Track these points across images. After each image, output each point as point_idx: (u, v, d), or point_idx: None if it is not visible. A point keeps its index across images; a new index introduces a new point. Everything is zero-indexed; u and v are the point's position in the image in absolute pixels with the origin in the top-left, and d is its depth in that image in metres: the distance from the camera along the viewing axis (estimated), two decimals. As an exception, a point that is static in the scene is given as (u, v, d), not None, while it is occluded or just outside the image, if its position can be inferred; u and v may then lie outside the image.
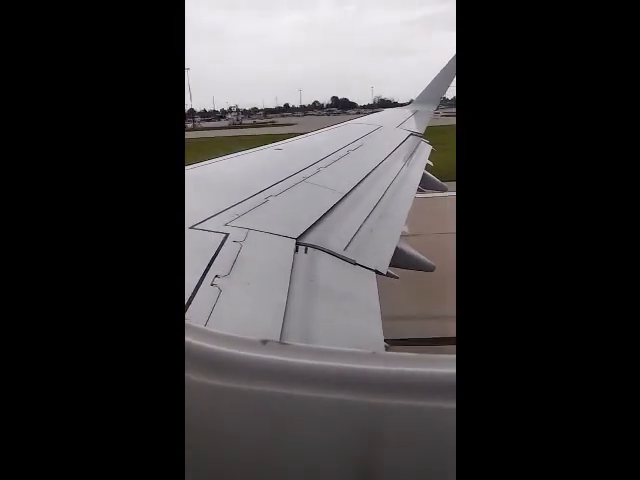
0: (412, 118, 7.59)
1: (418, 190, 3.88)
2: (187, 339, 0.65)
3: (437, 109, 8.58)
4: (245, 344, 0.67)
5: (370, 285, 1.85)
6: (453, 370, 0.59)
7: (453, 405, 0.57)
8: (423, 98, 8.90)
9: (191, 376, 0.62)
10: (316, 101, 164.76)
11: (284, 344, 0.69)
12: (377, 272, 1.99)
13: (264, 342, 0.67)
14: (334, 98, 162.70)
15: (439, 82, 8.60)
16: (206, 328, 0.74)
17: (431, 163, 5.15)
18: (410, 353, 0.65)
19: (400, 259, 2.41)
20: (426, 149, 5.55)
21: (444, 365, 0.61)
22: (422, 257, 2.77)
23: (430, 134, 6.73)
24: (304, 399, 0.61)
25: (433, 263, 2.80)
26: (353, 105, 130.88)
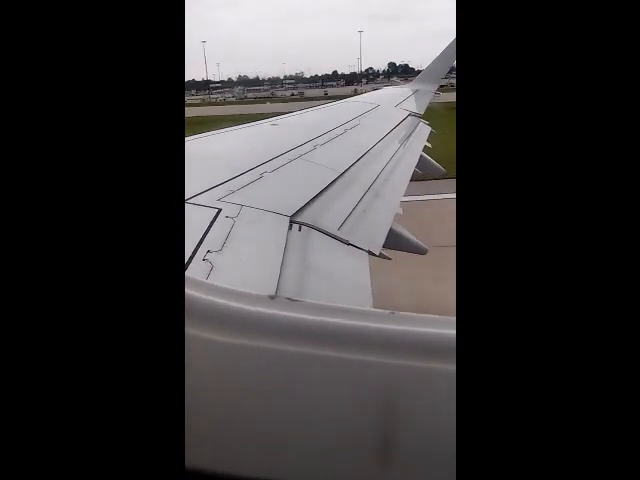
0: (412, 97, 7.51)
1: (416, 173, 3.86)
2: (191, 292, 0.65)
3: (438, 90, 8.46)
4: (253, 300, 0.67)
5: (362, 266, 1.86)
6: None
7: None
8: (424, 77, 8.78)
9: (193, 331, 0.62)
10: (370, 67, 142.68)
11: (294, 301, 0.68)
12: (370, 253, 1.99)
13: (272, 298, 0.67)
14: (391, 64, 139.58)
15: (441, 61, 8.48)
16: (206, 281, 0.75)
17: (429, 145, 5.10)
18: (431, 315, 0.64)
19: (393, 240, 2.41)
20: (424, 130, 5.50)
21: None
22: (415, 239, 2.78)
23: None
24: (311, 356, 0.60)
25: (426, 246, 2.82)
26: (412, 71, 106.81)
